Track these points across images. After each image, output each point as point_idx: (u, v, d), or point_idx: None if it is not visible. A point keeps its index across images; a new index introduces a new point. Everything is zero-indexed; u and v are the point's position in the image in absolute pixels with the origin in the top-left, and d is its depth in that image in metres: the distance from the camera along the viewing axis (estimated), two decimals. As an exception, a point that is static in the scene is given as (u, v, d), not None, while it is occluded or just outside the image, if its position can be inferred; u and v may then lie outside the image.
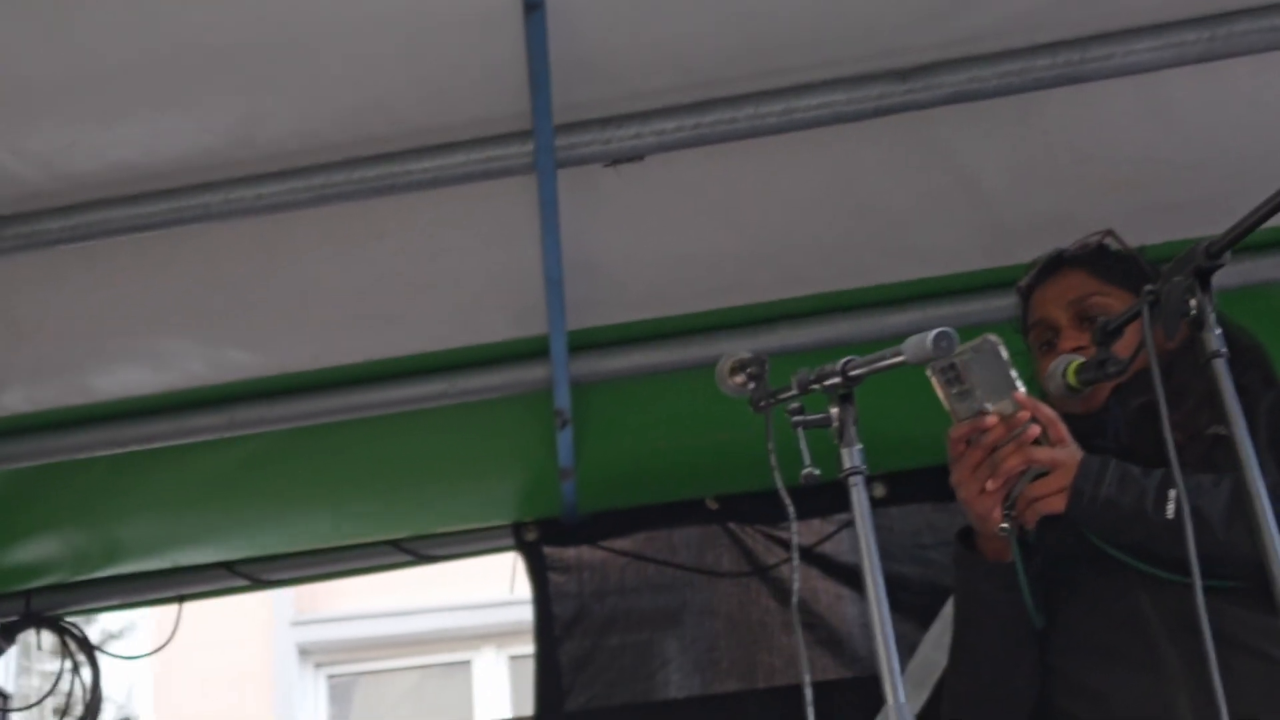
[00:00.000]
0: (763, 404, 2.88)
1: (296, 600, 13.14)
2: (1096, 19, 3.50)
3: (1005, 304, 3.84)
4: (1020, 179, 3.89)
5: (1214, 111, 3.73)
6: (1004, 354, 2.91)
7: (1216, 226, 2.74)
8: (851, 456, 2.66)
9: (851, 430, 2.68)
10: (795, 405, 2.76)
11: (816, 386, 2.74)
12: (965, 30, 3.51)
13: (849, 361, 2.69)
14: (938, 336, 2.55)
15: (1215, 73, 3.57)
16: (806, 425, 2.73)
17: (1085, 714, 3.07)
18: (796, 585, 2.90)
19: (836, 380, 2.70)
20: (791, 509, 2.78)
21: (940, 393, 2.97)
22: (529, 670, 4.84)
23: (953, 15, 3.48)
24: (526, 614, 4.87)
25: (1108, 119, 3.74)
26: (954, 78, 3.56)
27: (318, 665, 13.44)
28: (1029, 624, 3.11)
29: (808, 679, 2.79)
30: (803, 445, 2.70)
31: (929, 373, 2.92)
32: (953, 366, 2.91)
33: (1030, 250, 3.60)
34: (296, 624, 13.31)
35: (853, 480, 2.65)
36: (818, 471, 2.68)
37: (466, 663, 12.67)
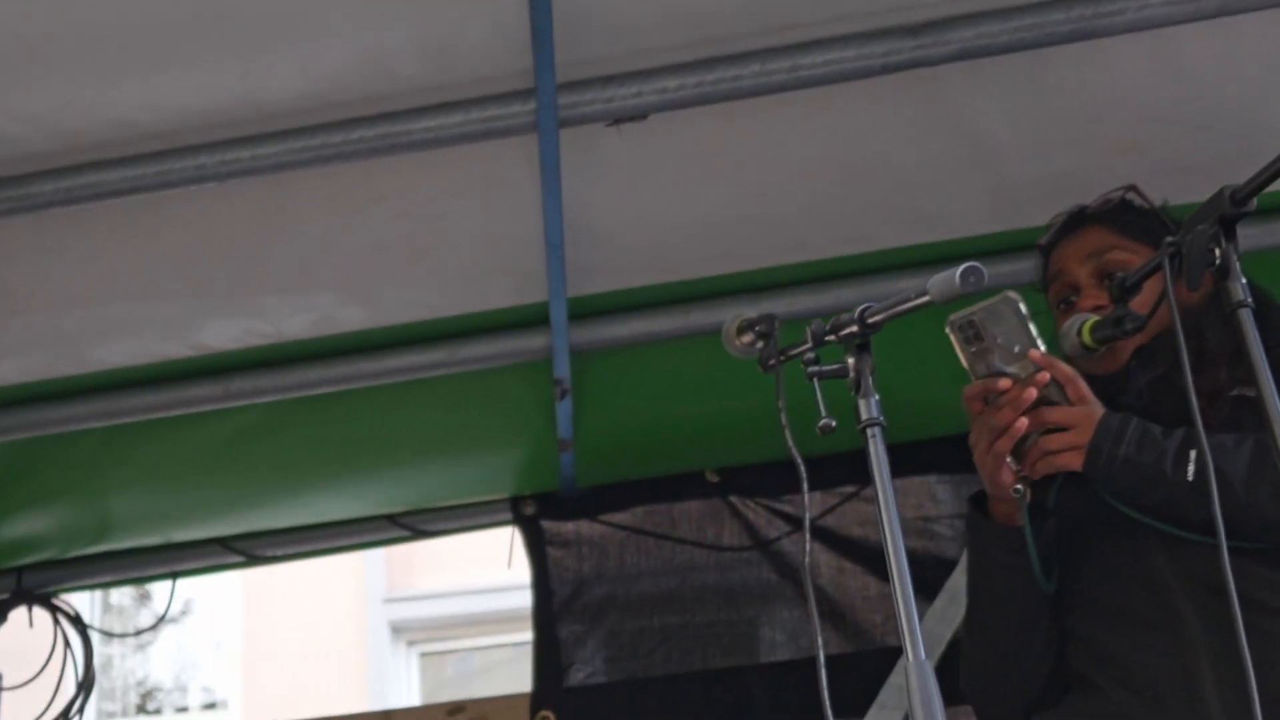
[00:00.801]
0: (772, 362, 2.82)
1: (389, 578, 13.16)
2: (1110, -27, 3.44)
3: (1015, 268, 3.82)
4: (1030, 139, 3.83)
5: (1229, 68, 3.68)
6: (1024, 310, 2.87)
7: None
8: (869, 408, 2.62)
9: (869, 381, 2.64)
10: (810, 356, 2.71)
11: (832, 337, 2.70)
12: (976, -15, 3.46)
13: (867, 308, 2.65)
14: (966, 271, 2.49)
15: (1230, 28, 3.51)
16: (822, 376, 2.68)
17: (1104, 679, 3.00)
18: (809, 549, 2.81)
19: (854, 328, 2.65)
20: (803, 470, 2.71)
21: (958, 349, 2.92)
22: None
23: (964, -31, 3.43)
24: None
25: (1120, 77, 3.69)
26: (964, 33, 3.50)
27: (410, 643, 13.45)
28: (1041, 590, 3.06)
29: (820, 650, 2.70)
30: (818, 396, 2.65)
31: (948, 330, 2.88)
32: (971, 324, 2.87)
33: (1041, 213, 3.55)
34: (389, 601, 13.34)
35: (870, 431, 2.60)
36: (834, 423, 2.62)
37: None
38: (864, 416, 2.61)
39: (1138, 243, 3.18)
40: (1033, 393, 2.88)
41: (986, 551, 3.14)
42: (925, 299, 2.56)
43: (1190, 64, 3.67)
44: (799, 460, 2.71)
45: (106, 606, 13.59)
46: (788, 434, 2.72)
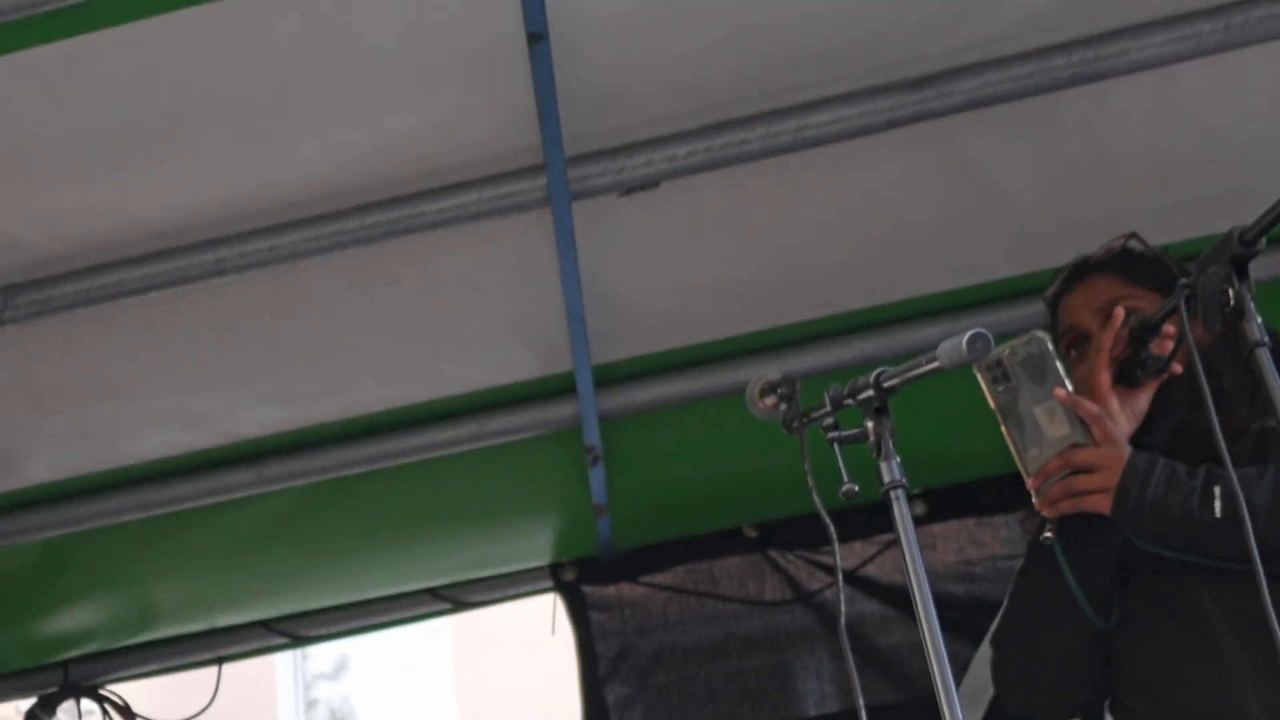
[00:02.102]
0: (795, 425, 2.84)
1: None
2: (1109, 15, 3.46)
3: (1032, 311, 3.82)
4: (1041, 183, 3.84)
5: (1233, 103, 3.68)
6: (1051, 349, 2.92)
7: (1241, 219, 2.70)
8: (891, 470, 2.63)
9: (889, 443, 2.64)
10: (830, 422, 2.72)
11: (850, 401, 2.70)
12: (976, 35, 3.48)
13: (882, 373, 2.65)
14: (972, 339, 2.50)
15: (1232, 63, 3.52)
16: (843, 441, 2.69)
17: (1150, 714, 3.03)
18: (844, 608, 2.84)
19: (870, 393, 2.66)
20: (833, 530, 2.73)
21: (986, 389, 2.96)
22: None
23: (962, 20, 3.45)
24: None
25: (1126, 116, 3.69)
26: (967, 84, 3.52)
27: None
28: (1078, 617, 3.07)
29: (861, 703, 2.71)
30: (840, 462, 2.66)
31: (975, 370, 2.89)
32: (1000, 363, 2.90)
33: (1056, 255, 3.56)
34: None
35: (894, 494, 2.62)
36: (856, 488, 2.63)
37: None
38: (886, 480, 2.62)
39: (1144, 289, 3.19)
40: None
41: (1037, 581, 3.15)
42: (935, 365, 2.57)
43: (1195, 100, 3.67)
44: (827, 520, 2.73)
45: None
46: (815, 495, 2.74)
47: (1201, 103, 3.67)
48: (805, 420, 2.81)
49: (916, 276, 4.09)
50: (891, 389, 2.64)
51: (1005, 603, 3.29)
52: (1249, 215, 2.65)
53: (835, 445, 2.69)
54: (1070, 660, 3.13)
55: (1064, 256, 3.46)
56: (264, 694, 17.66)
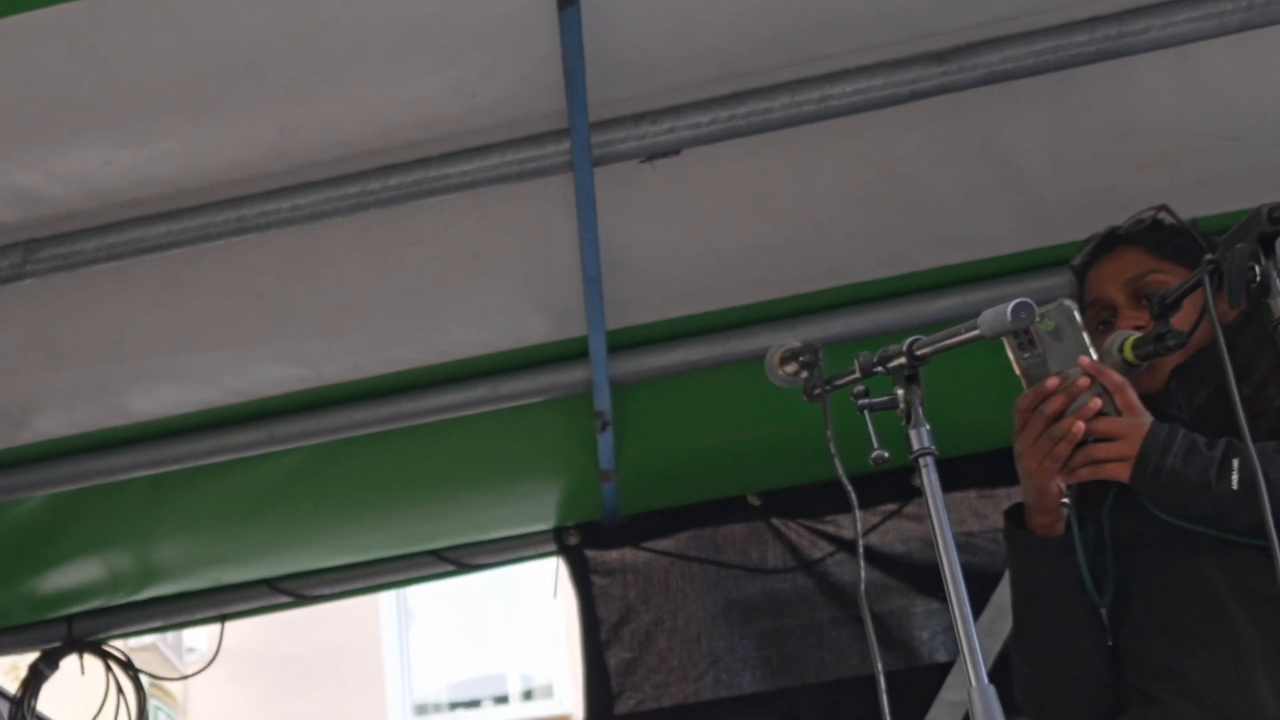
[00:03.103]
0: (818, 392, 2.86)
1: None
2: (1132, -8, 3.47)
3: (1047, 285, 3.86)
4: (1060, 158, 3.86)
5: (1254, 81, 3.71)
6: (1078, 319, 2.94)
7: (1261, 197, 2.73)
8: (920, 437, 2.66)
9: (919, 411, 2.67)
10: (860, 388, 2.74)
11: (880, 369, 2.73)
12: (1000, 9, 3.49)
13: (915, 340, 2.68)
14: (1017, 307, 2.53)
15: (1254, 42, 3.53)
16: (873, 409, 2.72)
17: (1163, 691, 3.04)
18: (864, 575, 2.87)
19: (902, 360, 2.69)
20: (854, 496, 2.76)
21: (1012, 356, 2.98)
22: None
23: (987, -6, 3.46)
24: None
25: (1147, 94, 3.71)
26: (990, 58, 3.52)
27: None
28: (1086, 599, 3.10)
29: (880, 668, 2.75)
30: (870, 428, 2.68)
31: (1003, 337, 2.92)
32: (1026, 331, 2.92)
33: (1073, 230, 3.61)
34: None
35: (923, 461, 2.64)
36: (887, 455, 2.66)
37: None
38: (915, 446, 2.65)
39: (1172, 263, 3.21)
40: (1098, 402, 2.92)
41: (1028, 563, 3.18)
42: (976, 333, 2.60)
43: (1215, 78, 3.69)
44: (849, 488, 2.76)
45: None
46: (837, 463, 2.77)
47: (1223, 81, 3.70)
48: (830, 387, 2.83)
49: (932, 249, 4.12)
50: (924, 357, 2.68)
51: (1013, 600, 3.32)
52: (1266, 194, 2.70)
53: (865, 412, 2.71)
54: (1085, 643, 3.16)
55: (1079, 232, 3.51)
56: (370, 635, 17.77)
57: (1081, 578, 3.09)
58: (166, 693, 17.71)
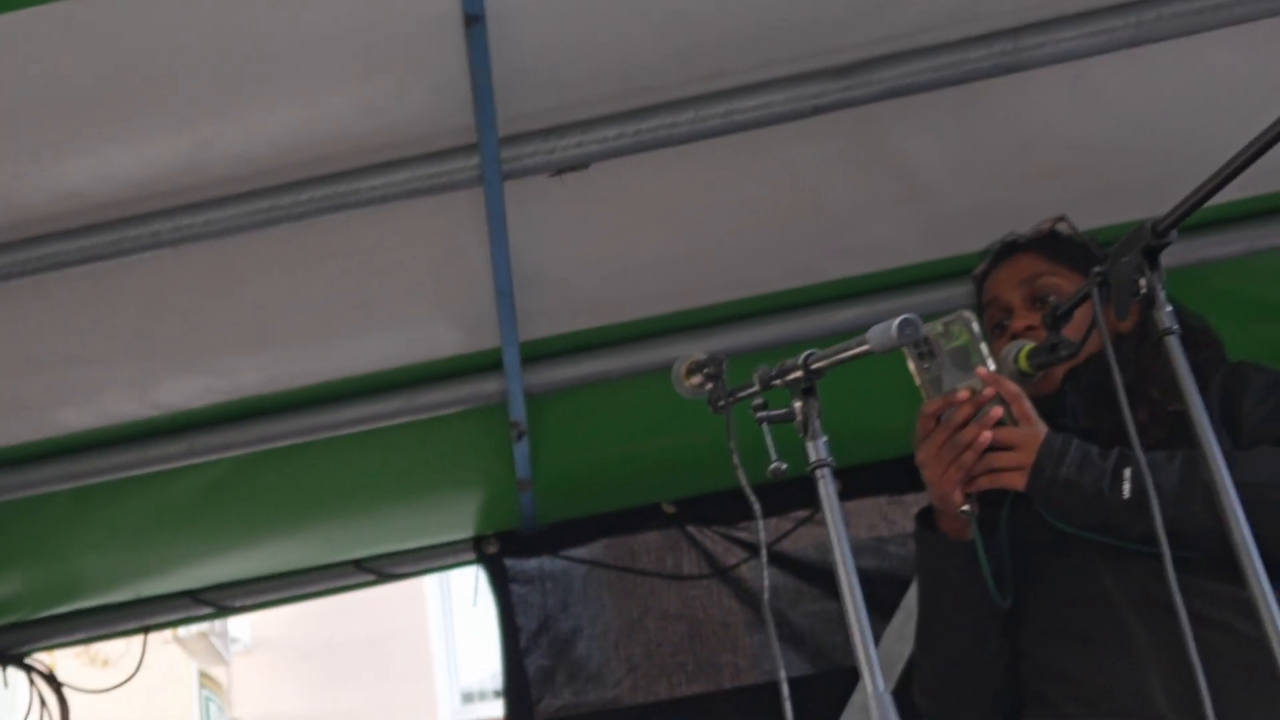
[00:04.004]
0: (722, 404, 2.90)
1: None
2: (1027, 8, 3.53)
3: (950, 294, 3.94)
4: (960, 170, 3.92)
5: (1144, 95, 3.78)
6: (976, 330, 3.01)
7: (1152, 208, 2.79)
8: (817, 449, 2.68)
9: (816, 423, 2.69)
10: (759, 401, 2.78)
11: (778, 381, 2.77)
12: (899, 25, 3.54)
13: (810, 355, 2.71)
14: (902, 324, 2.57)
15: (1145, 57, 3.60)
16: (771, 421, 2.75)
17: (1059, 695, 3.11)
18: (767, 583, 2.94)
19: (798, 374, 2.72)
20: (758, 506, 2.80)
21: (912, 366, 3.05)
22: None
23: (886, 10, 3.51)
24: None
25: (1043, 107, 3.78)
26: (890, 73, 3.58)
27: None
28: (991, 603, 3.16)
29: (783, 675, 2.79)
30: (768, 440, 2.72)
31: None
32: (926, 341, 2.99)
33: (974, 240, 3.67)
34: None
35: (820, 473, 2.66)
36: (784, 465, 2.69)
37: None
38: (813, 458, 2.67)
39: (1067, 269, 3.31)
40: (999, 411, 2.99)
41: (937, 566, 3.25)
42: (864, 348, 2.64)
43: (1109, 92, 3.76)
44: (752, 497, 2.79)
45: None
46: (740, 474, 2.80)
47: (1115, 95, 3.77)
48: (732, 399, 2.88)
49: (836, 259, 4.18)
50: (819, 371, 2.70)
51: (919, 601, 3.38)
52: (1159, 204, 2.74)
53: (764, 424, 2.76)
54: (986, 645, 3.23)
55: (980, 242, 3.59)
56: (417, 622, 17.67)
57: (986, 580, 3.16)
58: (214, 681, 17.71)
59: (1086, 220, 3.62)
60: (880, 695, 2.50)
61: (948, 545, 3.18)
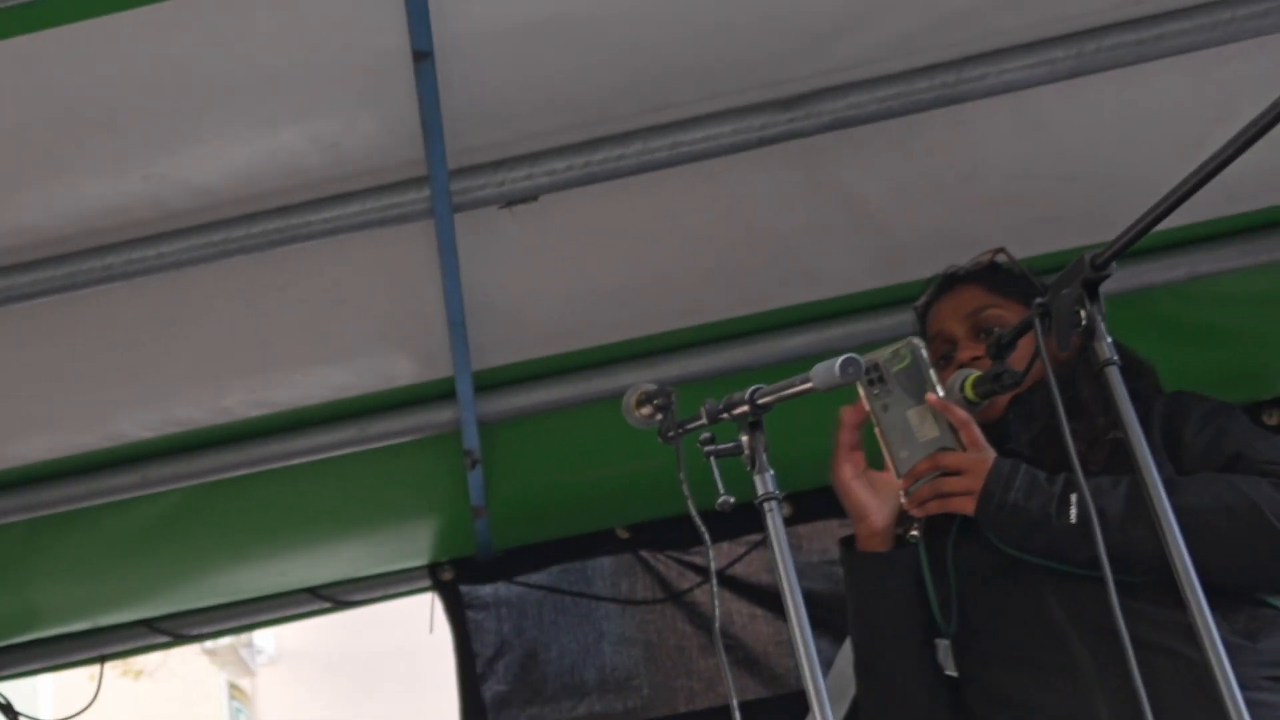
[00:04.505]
0: (671, 435, 2.91)
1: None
2: (970, 40, 3.58)
3: (895, 322, 3.99)
4: (904, 199, 3.97)
5: (1086, 125, 3.83)
6: (925, 356, 3.07)
7: (1094, 236, 2.84)
8: (765, 483, 2.71)
9: (763, 457, 2.72)
10: (706, 435, 2.81)
11: (726, 415, 2.79)
12: (843, 58, 3.59)
13: (757, 390, 2.74)
14: (844, 363, 2.60)
15: (1085, 87, 3.66)
16: (719, 454, 2.78)
17: (1004, 720, 3.14)
18: (718, 609, 2.96)
19: (745, 409, 2.75)
20: (706, 535, 2.82)
21: (862, 392, 3.09)
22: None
23: (831, 43, 3.55)
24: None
25: (986, 137, 3.83)
26: (834, 104, 3.63)
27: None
28: (920, 618, 3.22)
29: (735, 702, 2.83)
30: (715, 474, 2.75)
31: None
32: (876, 366, 3.05)
33: (918, 268, 3.71)
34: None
35: (767, 506, 2.69)
36: (732, 499, 2.71)
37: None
38: (760, 492, 2.71)
39: (1009, 300, 3.35)
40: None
41: (868, 584, 3.29)
42: (809, 385, 2.67)
43: (1051, 122, 3.81)
44: (701, 525, 2.81)
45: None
46: (690, 504, 2.82)
47: (1057, 125, 3.82)
48: (681, 431, 2.90)
49: (784, 288, 4.22)
50: (765, 406, 2.73)
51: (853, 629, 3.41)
52: (1101, 232, 2.79)
53: (711, 459, 2.79)
54: (927, 671, 3.27)
55: (925, 270, 3.62)
56: (440, 634, 17.64)
57: (928, 603, 3.21)
58: (242, 692, 17.69)
59: (1030, 248, 3.67)
60: (826, 726, 2.53)
61: (874, 559, 3.24)
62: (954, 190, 3.95)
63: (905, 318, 3.77)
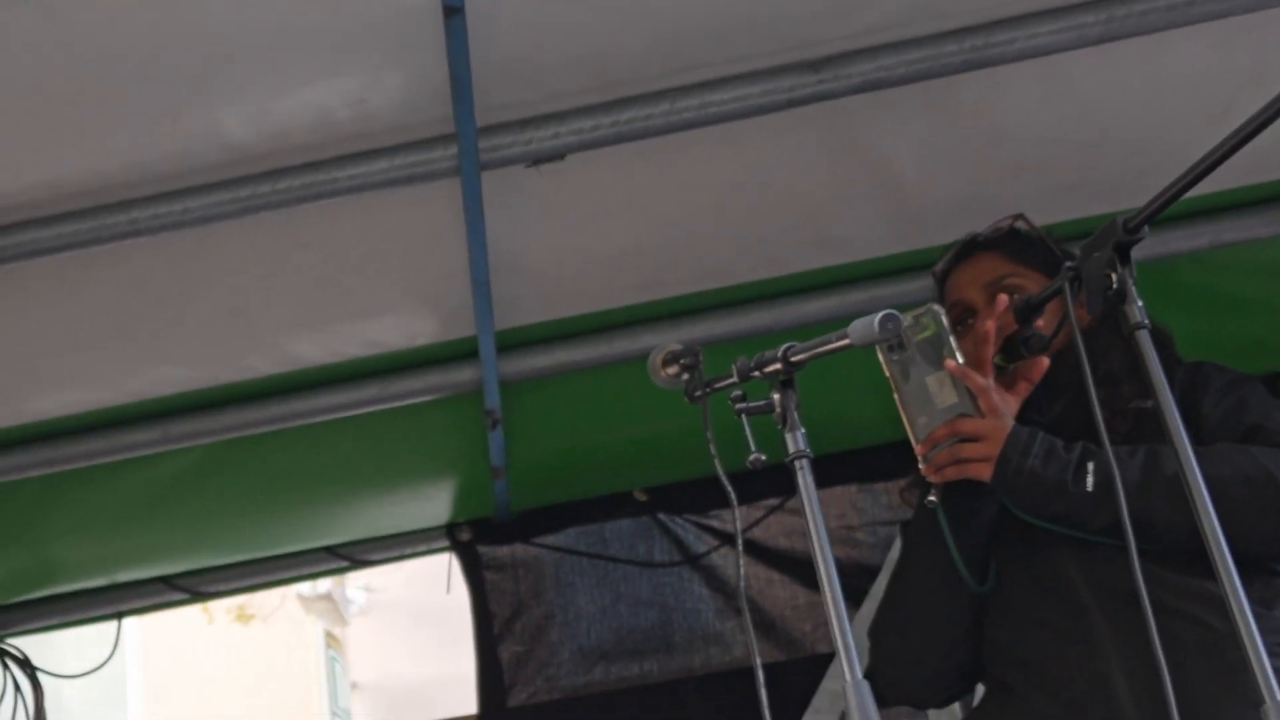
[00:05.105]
0: (699, 394, 2.90)
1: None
2: (1000, 4, 3.57)
3: (919, 286, 3.97)
4: (931, 164, 3.96)
5: (1114, 91, 3.82)
6: (945, 323, 3.06)
7: (1119, 202, 2.84)
8: (796, 441, 2.69)
9: (794, 415, 2.71)
10: (738, 393, 2.80)
11: (757, 374, 2.78)
12: (873, 20, 3.58)
13: (790, 347, 2.73)
14: (884, 319, 2.59)
15: (1114, 53, 3.65)
16: (750, 412, 2.77)
17: (1020, 682, 3.13)
18: (743, 570, 2.95)
19: (777, 366, 2.74)
20: (733, 495, 2.82)
21: (882, 358, 3.08)
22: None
23: (861, 5, 3.54)
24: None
25: (1013, 102, 3.82)
26: (863, 67, 3.62)
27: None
28: (957, 580, 3.21)
29: (758, 661, 2.82)
30: (747, 432, 2.75)
31: None
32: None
33: (943, 233, 3.71)
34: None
35: (798, 464, 2.67)
36: (764, 457, 2.71)
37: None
38: (791, 450, 2.69)
39: (1029, 268, 3.35)
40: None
41: (917, 530, 3.29)
42: (845, 342, 2.65)
43: (1078, 88, 3.80)
44: (729, 487, 2.81)
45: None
46: (717, 464, 2.81)
47: (1085, 91, 3.81)
48: (710, 390, 2.89)
49: (809, 251, 4.22)
50: (799, 363, 2.72)
51: (886, 583, 3.42)
52: (1127, 198, 2.79)
53: (743, 416, 2.79)
54: (948, 627, 3.25)
55: (950, 235, 3.61)
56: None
57: (955, 565, 3.20)
58: (337, 641, 17.84)
59: (1056, 214, 3.67)
60: (858, 684, 2.53)
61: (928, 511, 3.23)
62: (981, 155, 3.94)
63: (929, 283, 3.76)
